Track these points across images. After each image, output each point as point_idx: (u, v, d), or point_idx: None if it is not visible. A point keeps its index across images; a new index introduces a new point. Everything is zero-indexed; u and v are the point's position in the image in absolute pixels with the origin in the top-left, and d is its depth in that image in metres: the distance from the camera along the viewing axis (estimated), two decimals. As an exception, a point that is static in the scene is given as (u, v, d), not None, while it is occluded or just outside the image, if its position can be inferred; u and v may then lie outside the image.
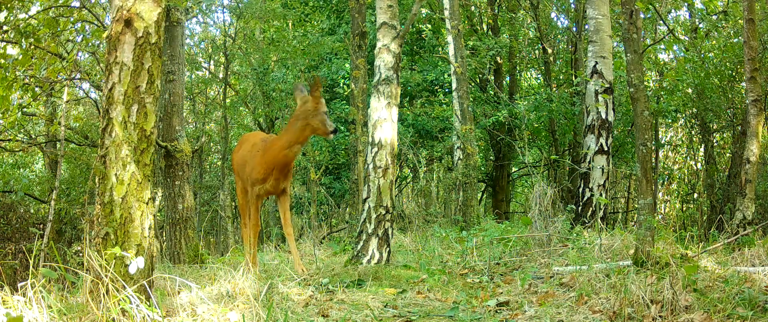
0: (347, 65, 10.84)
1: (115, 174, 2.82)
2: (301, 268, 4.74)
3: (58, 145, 8.71)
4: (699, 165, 9.91)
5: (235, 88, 12.22)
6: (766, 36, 7.12)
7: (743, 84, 7.23)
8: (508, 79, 12.64)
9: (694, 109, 8.87)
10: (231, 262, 5.29)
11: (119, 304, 2.68)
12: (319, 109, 4.64)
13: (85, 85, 9.65)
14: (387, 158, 4.80)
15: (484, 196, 13.52)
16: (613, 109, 6.90)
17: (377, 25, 5.03)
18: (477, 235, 5.94)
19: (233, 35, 11.39)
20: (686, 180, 10.44)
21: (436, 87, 11.92)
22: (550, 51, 11.44)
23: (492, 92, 11.20)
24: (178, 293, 3.24)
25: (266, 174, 4.79)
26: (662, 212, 10.49)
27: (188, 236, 6.15)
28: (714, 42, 9.09)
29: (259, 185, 4.85)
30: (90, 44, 6.51)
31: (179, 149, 6.20)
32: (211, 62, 12.63)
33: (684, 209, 9.98)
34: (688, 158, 10.47)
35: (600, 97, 6.72)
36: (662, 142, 10.66)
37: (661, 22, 9.65)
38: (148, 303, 2.77)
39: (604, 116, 6.72)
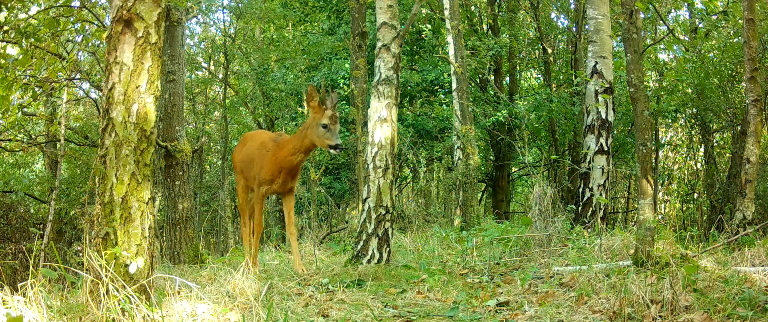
0: (347, 65, 10.84)
1: (115, 174, 2.82)
2: (301, 268, 4.74)
3: (58, 145, 8.72)
4: (699, 165, 9.91)
5: (235, 88, 12.22)
6: (766, 36, 7.12)
7: (743, 84, 7.22)
8: (508, 79, 12.64)
9: (694, 109, 8.87)
10: (231, 262, 5.29)
11: (119, 304, 2.68)
12: (317, 120, 4.52)
13: (85, 85, 9.66)
14: (387, 158, 4.80)
15: (484, 196, 13.52)
16: (613, 109, 6.90)
17: (377, 25, 5.03)
18: (477, 235, 5.94)
19: (233, 35, 11.39)
20: (686, 180, 10.44)
21: (436, 87, 11.92)
22: (550, 51, 11.44)
23: (492, 92, 11.20)
24: (178, 293, 3.24)
25: (274, 175, 4.76)
26: (662, 212, 10.49)
27: (188, 236, 6.15)
28: (714, 42, 9.09)
29: (266, 185, 4.80)
30: (90, 44, 6.51)
31: (179, 149, 6.20)
32: (211, 62, 12.64)
33: (684, 209, 9.97)
34: (688, 158, 10.47)
35: (600, 97, 6.72)
36: (662, 142, 10.66)
37: (661, 22, 9.65)
38: (148, 303, 2.77)
39: (604, 116, 6.72)
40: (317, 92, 4.57)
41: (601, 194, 6.62)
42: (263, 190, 4.82)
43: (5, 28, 5.40)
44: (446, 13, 9.86)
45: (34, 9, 5.95)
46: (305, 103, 4.59)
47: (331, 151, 4.52)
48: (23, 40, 5.37)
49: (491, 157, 12.43)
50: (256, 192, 4.87)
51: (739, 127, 7.67)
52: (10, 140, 8.95)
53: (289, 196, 4.94)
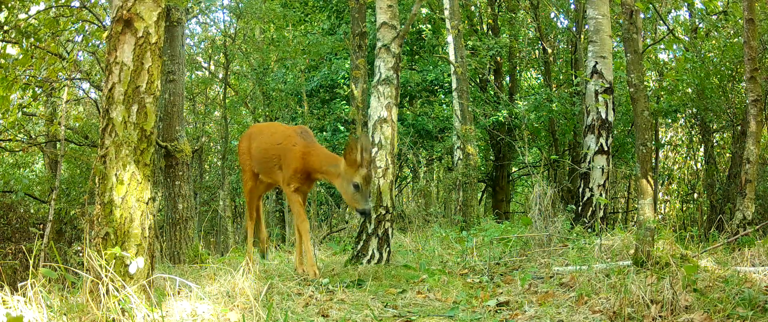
0: (347, 65, 10.85)
1: (115, 174, 2.82)
2: (302, 268, 4.72)
3: (58, 145, 8.72)
4: (699, 165, 9.91)
5: (235, 88, 12.23)
6: (766, 36, 7.12)
7: (743, 84, 7.22)
8: (508, 79, 12.65)
9: (694, 109, 8.87)
10: (231, 262, 5.29)
11: (119, 304, 2.68)
12: (349, 176, 4.18)
13: (85, 85, 9.67)
14: (387, 158, 4.80)
15: (484, 196, 13.52)
16: (613, 109, 6.89)
17: (377, 25, 5.03)
18: (477, 235, 5.94)
19: (233, 35, 11.40)
20: (686, 180, 10.44)
21: (436, 87, 11.93)
22: (550, 51, 11.44)
23: (492, 92, 11.20)
24: (178, 293, 3.24)
25: (302, 173, 4.49)
26: (662, 212, 10.49)
27: (188, 236, 6.15)
28: (714, 42, 9.09)
29: (295, 182, 4.52)
30: (90, 44, 6.52)
31: (179, 149, 6.20)
32: (211, 62, 12.65)
33: (684, 209, 9.98)
34: (688, 158, 10.47)
35: (600, 97, 6.72)
36: (662, 142, 10.66)
37: (661, 22, 9.65)
38: (148, 303, 2.77)
39: (604, 116, 6.72)
40: (357, 147, 4.18)
41: (601, 194, 6.62)
42: (293, 186, 4.52)
43: (5, 28, 5.40)
44: (446, 13, 9.87)
45: (34, 9, 5.95)
46: (343, 155, 4.21)
47: (358, 213, 4.31)
48: (24, 41, 5.37)
49: (491, 158, 12.44)
50: (286, 189, 4.56)
51: (739, 127, 7.67)
52: (10, 140, 8.96)
53: (303, 197, 4.75)
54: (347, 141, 4.24)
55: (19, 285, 2.78)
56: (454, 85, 9.80)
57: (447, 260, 5.14)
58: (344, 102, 10.91)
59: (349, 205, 4.38)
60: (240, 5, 10.88)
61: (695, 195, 9.88)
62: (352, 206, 4.30)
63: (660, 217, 9.81)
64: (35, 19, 5.84)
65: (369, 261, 4.70)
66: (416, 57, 12.32)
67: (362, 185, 4.19)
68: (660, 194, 10.51)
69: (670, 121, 10.02)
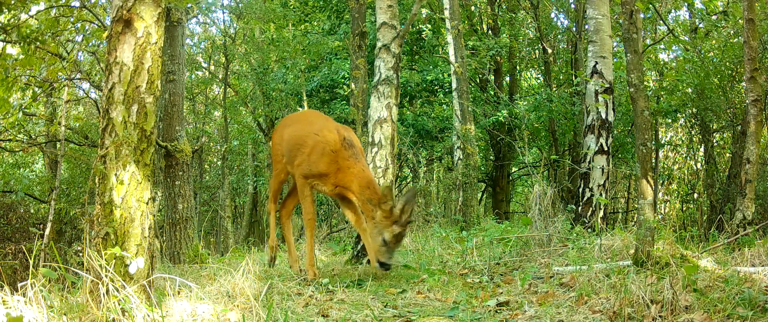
0: (347, 65, 10.85)
1: (115, 174, 2.82)
2: (297, 266, 4.69)
3: (58, 145, 8.72)
4: (699, 165, 9.91)
5: (235, 88, 12.23)
6: (766, 36, 7.12)
7: (743, 84, 7.23)
8: (508, 79, 12.65)
9: (694, 109, 8.87)
10: (231, 262, 5.28)
11: (119, 304, 2.68)
12: (383, 228, 3.99)
13: (85, 85, 9.68)
14: (387, 158, 4.80)
15: (484, 196, 13.52)
16: (613, 109, 6.89)
17: (377, 25, 5.03)
18: (477, 235, 5.94)
19: (233, 35, 11.40)
20: (686, 180, 10.44)
21: (436, 87, 11.93)
22: (550, 51, 11.45)
23: (492, 92, 11.21)
24: (178, 293, 3.24)
25: (329, 178, 4.21)
26: (662, 211, 10.49)
27: (188, 236, 6.15)
28: (714, 42, 9.09)
29: (314, 179, 4.27)
30: (90, 44, 6.52)
31: (179, 149, 6.20)
32: (211, 62, 12.66)
33: (684, 209, 9.98)
34: (688, 158, 10.47)
35: (600, 97, 6.72)
36: (662, 142, 10.67)
37: (661, 22, 9.65)
38: (148, 303, 2.77)
39: (604, 116, 6.72)
40: (392, 196, 3.98)
41: (601, 194, 6.62)
42: (311, 181, 4.29)
43: (7, 28, 5.41)
44: (446, 13, 9.88)
45: (34, 9, 5.96)
46: (378, 204, 4.01)
47: (377, 265, 4.10)
48: (25, 44, 5.37)
49: (491, 158, 12.44)
50: (299, 180, 4.29)
51: (739, 127, 7.67)
52: (10, 140, 8.96)
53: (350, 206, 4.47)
54: (383, 189, 4.00)
55: (19, 285, 2.78)
56: (454, 85, 9.81)
57: (447, 260, 5.14)
58: (344, 102, 10.91)
59: (369, 251, 4.17)
60: (240, 5, 10.88)
61: (695, 195, 9.88)
62: (373, 255, 4.11)
63: (660, 217, 9.80)
64: (36, 19, 5.84)
65: (369, 261, 4.70)
66: (416, 57, 12.33)
67: (392, 242, 4.04)
68: (660, 194, 10.51)
69: (670, 121, 10.03)
